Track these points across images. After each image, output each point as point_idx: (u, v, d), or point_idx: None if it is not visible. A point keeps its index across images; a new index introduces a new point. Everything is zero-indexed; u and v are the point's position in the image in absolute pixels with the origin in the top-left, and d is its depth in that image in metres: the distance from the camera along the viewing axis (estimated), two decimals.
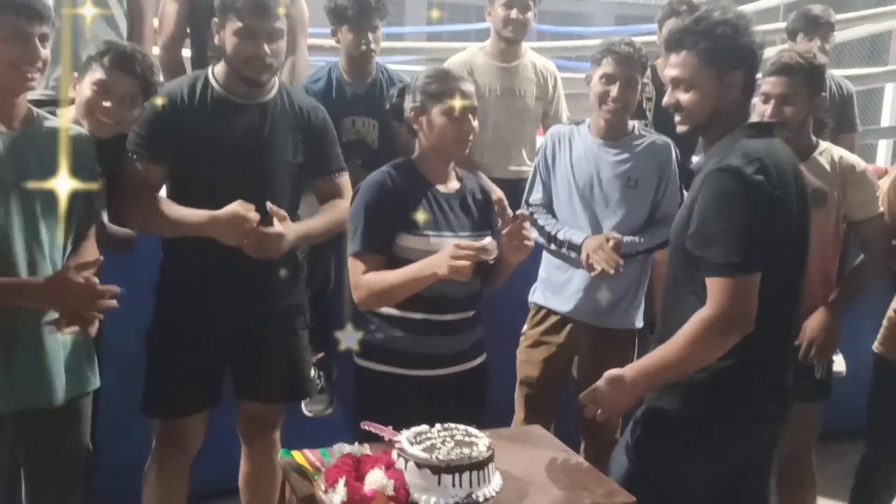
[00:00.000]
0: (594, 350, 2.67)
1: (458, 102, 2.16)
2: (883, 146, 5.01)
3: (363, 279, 2.15)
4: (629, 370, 1.91)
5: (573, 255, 2.61)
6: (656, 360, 1.88)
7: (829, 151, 2.53)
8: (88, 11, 2.64)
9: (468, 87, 2.23)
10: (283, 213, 2.25)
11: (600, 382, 1.92)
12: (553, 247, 2.68)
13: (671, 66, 1.93)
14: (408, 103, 2.24)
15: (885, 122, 5.26)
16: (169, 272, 2.39)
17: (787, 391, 1.99)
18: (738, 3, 7.32)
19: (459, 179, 2.32)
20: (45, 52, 1.89)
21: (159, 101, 2.27)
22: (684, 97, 1.91)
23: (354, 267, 2.17)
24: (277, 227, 2.23)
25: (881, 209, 2.56)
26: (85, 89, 2.14)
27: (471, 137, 2.23)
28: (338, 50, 3.10)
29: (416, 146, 2.30)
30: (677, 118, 1.95)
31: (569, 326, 2.70)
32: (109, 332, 2.25)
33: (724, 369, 1.84)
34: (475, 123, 2.23)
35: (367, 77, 3.02)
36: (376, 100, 3.02)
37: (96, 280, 1.88)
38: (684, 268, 1.90)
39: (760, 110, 2.45)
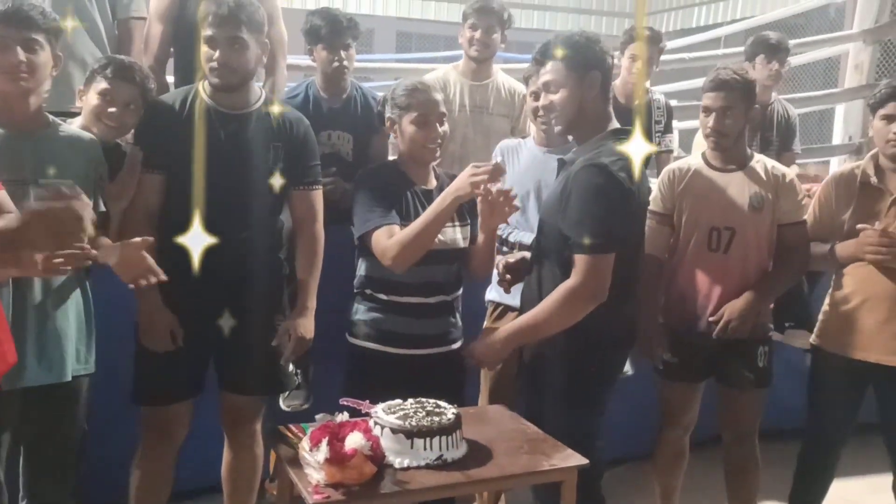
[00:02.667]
0: None
1: (424, 111, 2.45)
2: (834, 163, 5.31)
3: (391, 241, 2.38)
4: (503, 331, 2.28)
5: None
6: (526, 322, 2.24)
7: (762, 161, 2.78)
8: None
9: (435, 96, 2.50)
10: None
11: (478, 344, 2.31)
12: (505, 249, 2.87)
13: (543, 74, 2.28)
14: (387, 113, 2.54)
15: (836, 140, 5.57)
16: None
17: (631, 340, 2.42)
18: (683, 34, 7.68)
19: (437, 178, 2.60)
20: (32, 57, 2.06)
21: (153, 113, 2.47)
22: (555, 97, 2.25)
23: (378, 239, 2.40)
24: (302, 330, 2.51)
25: (805, 217, 2.79)
26: (91, 99, 2.38)
27: (439, 142, 2.51)
28: (314, 69, 3.31)
29: (397, 152, 2.62)
30: (552, 118, 2.30)
31: None
32: (101, 325, 2.40)
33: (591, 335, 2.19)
34: (443, 129, 2.50)
35: (342, 93, 3.22)
36: (351, 115, 3.23)
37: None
38: (553, 242, 2.24)
39: (703, 122, 2.71)
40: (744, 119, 2.69)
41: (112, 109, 2.37)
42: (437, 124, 2.48)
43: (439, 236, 2.45)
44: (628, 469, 3.19)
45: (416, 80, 2.61)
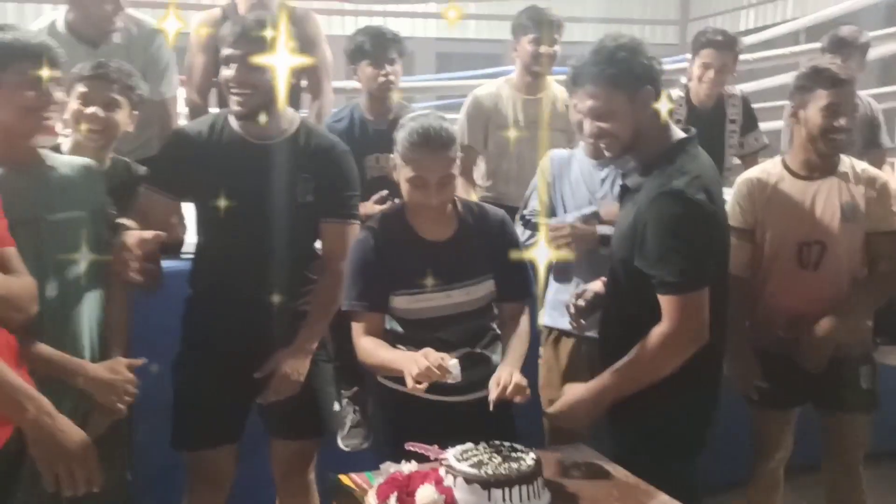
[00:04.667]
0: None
1: (421, 174, 2.09)
2: None
3: (360, 341, 2.18)
4: (593, 389, 2.03)
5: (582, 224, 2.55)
6: (621, 376, 1.99)
7: (851, 164, 2.56)
8: None
9: (440, 156, 2.09)
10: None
11: (563, 405, 2.05)
12: (528, 232, 2.66)
13: (585, 99, 2.00)
14: (394, 152, 2.18)
15: None
16: (194, 307, 2.42)
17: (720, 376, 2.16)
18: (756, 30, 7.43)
19: (461, 221, 2.25)
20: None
21: (177, 139, 2.41)
22: (605, 125, 1.99)
23: (354, 327, 2.20)
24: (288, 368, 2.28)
25: None
26: (72, 103, 2.27)
27: (435, 207, 2.14)
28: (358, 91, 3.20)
29: None
30: (603, 145, 2.04)
31: (583, 345, 2.63)
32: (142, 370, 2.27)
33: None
34: (447, 190, 2.13)
35: (388, 114, 3.08)
36: None
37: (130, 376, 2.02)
38: (628, 277, 2.01)
39: (823, 123, 2.41)
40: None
41: (90, 110, 2.26)
42: (438, 186, 2.09)
43: (431, 303, 2.18)
44: (719, 499, 2.95)
45: (432, 124, 2.11)
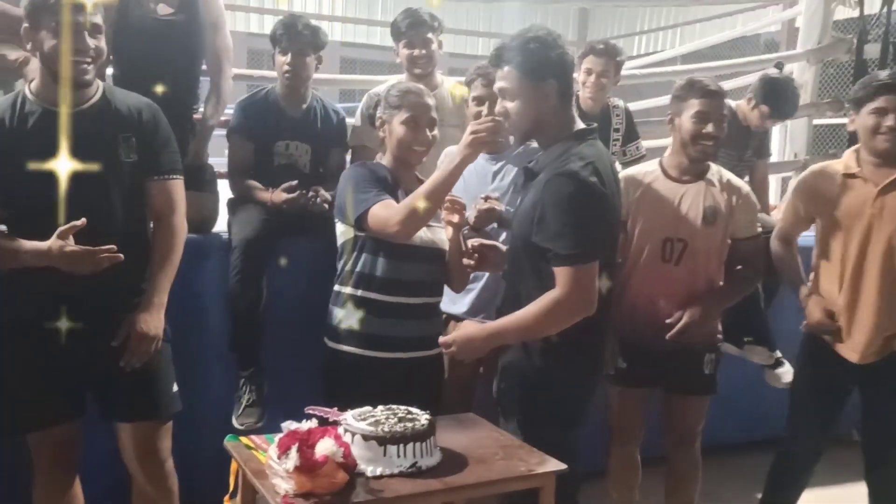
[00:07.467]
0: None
1: (415, 113, 2.46)
2: (773, 180, 5.45)
3: (393, 210, 2.31)
4: (486, 329, 2.23)
5: (465, 230, 2.68)
6: (511, 324, 2.17)
7: (719, 172, 2.78)
8: None
9: (427, 100, 2.51)
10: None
11: (458, 336, 2.23)
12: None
13: (498, 80, 2.21)
14: (378, 112, 2.56)
15: (774, 158, 5.74)
16: (11, 290, 2.27)
17: (602, 353, 2.39)
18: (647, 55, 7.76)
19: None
20: None
21: None
22: (510, 105, 2.18)
23: (377, 212, 2.34)
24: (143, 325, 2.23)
25: (759, 229, 2.81)
26: None
27: (426, 146, 2.50)
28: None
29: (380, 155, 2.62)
30: (507, 125, 2.23)
31: None
32: None
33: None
34: (432, 134, 2.51)
35: (302, 103, 3.14)
36: (310, 125, 3.15)
37: None
38: (527, 255, 2.18)
39: (693, 129, 2.65)
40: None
41: None
42: (427, 128, 2.48)
43: (426, 234, 2.42)
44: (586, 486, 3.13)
45: (411, 83, 2.65)
